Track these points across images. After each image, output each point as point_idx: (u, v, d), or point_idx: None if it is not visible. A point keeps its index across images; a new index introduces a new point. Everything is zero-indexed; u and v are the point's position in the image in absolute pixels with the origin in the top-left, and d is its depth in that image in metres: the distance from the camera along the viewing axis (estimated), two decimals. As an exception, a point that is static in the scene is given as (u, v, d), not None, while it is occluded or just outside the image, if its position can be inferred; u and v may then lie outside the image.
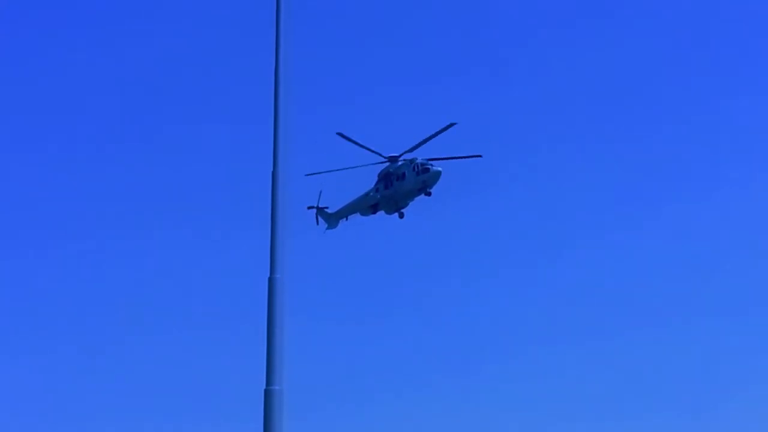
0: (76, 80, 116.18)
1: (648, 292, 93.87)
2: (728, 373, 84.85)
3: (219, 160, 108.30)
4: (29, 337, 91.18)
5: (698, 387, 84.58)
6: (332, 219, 68.89)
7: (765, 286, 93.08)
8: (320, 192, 68.41)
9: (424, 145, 63.83)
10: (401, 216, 66.04)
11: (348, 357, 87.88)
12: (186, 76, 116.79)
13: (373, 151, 64.52)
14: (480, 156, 64.13)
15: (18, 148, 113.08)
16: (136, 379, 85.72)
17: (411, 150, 64.28)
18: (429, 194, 64.33)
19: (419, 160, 64.02)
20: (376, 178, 66.03)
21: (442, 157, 63.75)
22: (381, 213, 66.59)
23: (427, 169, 63.65)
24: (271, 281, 26.09)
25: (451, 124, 62.23)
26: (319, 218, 68.84)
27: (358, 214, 67.99)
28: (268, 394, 25.09)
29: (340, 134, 63.26)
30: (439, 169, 63.70)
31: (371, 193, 66.55)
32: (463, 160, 63.87)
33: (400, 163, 64.97)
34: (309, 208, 68.70)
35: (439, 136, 62.53)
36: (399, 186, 64.73)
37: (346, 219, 68.60)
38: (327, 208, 68.83)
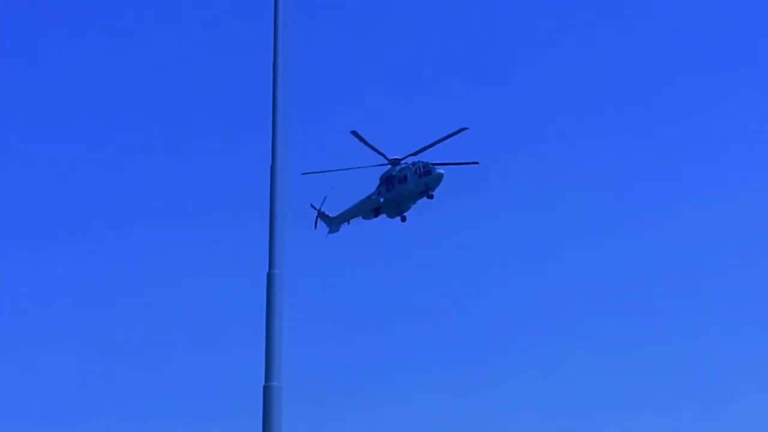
0: (75, 79, 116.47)
1: (648, 290, 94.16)
2: (728, 371, 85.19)
3: (218, 157, 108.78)
4: (28, 334, 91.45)
5: (698, 384, 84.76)
6: (334, 223, 68.71)
7: (764, 284, 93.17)
8: (324, 198, 68.39)
9: (419, 149, 63.72)
10: (403, 219, 65.80)
11: (347, 353, 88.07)
12: (186, 73, 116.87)
13: (381, 154, 64.32)
14: (477, 163, 63.97)
15: (17, 147, 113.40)
16: (135, 375, 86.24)
17: (416, 153, 64.01)
18: (431, 197, 64.04)
19: (421, 163, 63.77)
20: (377, 181, 65.77)
21: (439, 162, 63.55)
22: (383, 216, 66.38)
23: (429, 172, 63.42)
24: (269, 277, 25.88)
25: (462, 129, 62.00)
26: (321, 222, 68.72)
27: (360, 218, 67.79)
28: (267, 390, 24.93)
29: (354, 133, 63.12)
30: (442, 171, 63.44)
31: (373, 197, 66.30)
32: (461, 166, 63.70)
33: (401, 166, 64.74)
34: (312, 207, 68.48)
35: (437, 137, 62.44)
36: (401, 189, 64.50)
37: (348, 223, 68.42)
38: (326, 210, 68.68)
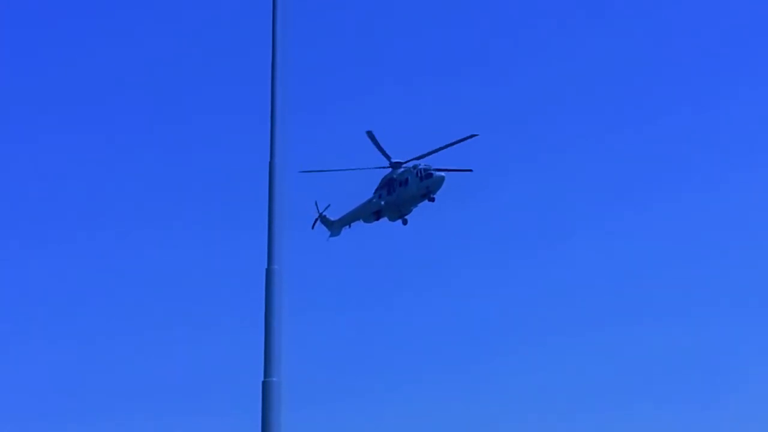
0: (73, 77, 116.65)
1: (648, 290, 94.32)
2: (728, 368, 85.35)
3: (217, 153, 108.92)
4: (26, 332, 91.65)
5: (698, 381, 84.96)
6: (335, 226, 68.64)
7: (764, 282, 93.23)
8: (328, 205, 68.32)
9: (425, 153, 63.58)
10: (405, 222, 65.70)
11: (347, 349, 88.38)
12: (184, 70, 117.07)
13: (386, 156, 64.20)
14: (470, 170, 63.78)
15: (16, 146, 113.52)
16: (133, 371, 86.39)
17: (420, 157, 63.85)
18: (432, 200, 63.90)
19: (422, 166, 63.58)
20: (376, 183, 65.69)
21: (433, 167, 63.37)
22: (384, 219, 66.28)
23: (431, 175, 63.22)
24: (268, 273, 25.86)
25: (472, 136, 61.83)
26: (322, 226, 68.67)
27: (361, 221, 67.71)
28: (266, 386, 24.93)
29: (369, 134, 63.07)
30: (443, 174, 63.22)
31: (374, 200, 66.17)
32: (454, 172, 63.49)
33: (402, 169, 64.63)
34: (315, 206, 68.44)
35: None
36: (402, 192, 64.33)
37: (349, 226, 68.34)
38: (329, 206, 68.64)
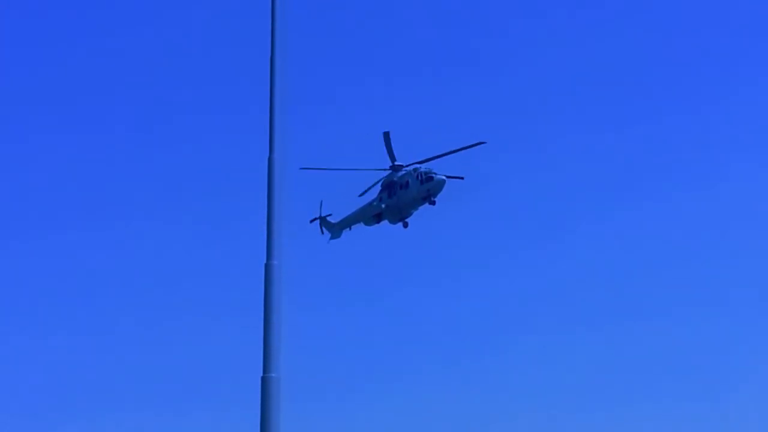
0: (73, 74, 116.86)
1: (648, 289, 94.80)
2: (728, 365, 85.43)
3: (217, 149, 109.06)
4: (26, 325, 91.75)
5: (694, 379, 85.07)
6: (336, 229, 68.60)
7: (764, 280, 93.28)
8: (329, 213, 68.31)
9: (429, 157, 63.46)
10: (405, 225, 65.61)
11: (346, 344, 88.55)
12: (184, 66, 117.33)
13: (392, 158, 64.10)
14: (462, 178, 63.62)
15: (14, 142, 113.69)
16: (133, 365, 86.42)
17: (423, 162, 63.71)
18: (433, 203, 63.79)
19: (423, 169, 63.47)
20: (379, 188, 65.57)
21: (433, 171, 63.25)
22: (385, 222, 66.21)
23: (431, 178, 63.10)
24: (267, 267, 25.82)
25: (480, 143, 61.76)
26: (323, 228, 68.68)
27: (361, 224, 67.63)
28: (265, 382, 24.91)
29: (386, 134, 63.05)
30: (444, 177, 63.09)
31: (375, 203, 66.07)
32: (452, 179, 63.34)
33: (403, 171, 64.54)
34: (312, 221, 68.57)
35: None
36: (403, 195, 64.22)
37: (350, 229, 68.27)
38: (330, 215, 68.61)
